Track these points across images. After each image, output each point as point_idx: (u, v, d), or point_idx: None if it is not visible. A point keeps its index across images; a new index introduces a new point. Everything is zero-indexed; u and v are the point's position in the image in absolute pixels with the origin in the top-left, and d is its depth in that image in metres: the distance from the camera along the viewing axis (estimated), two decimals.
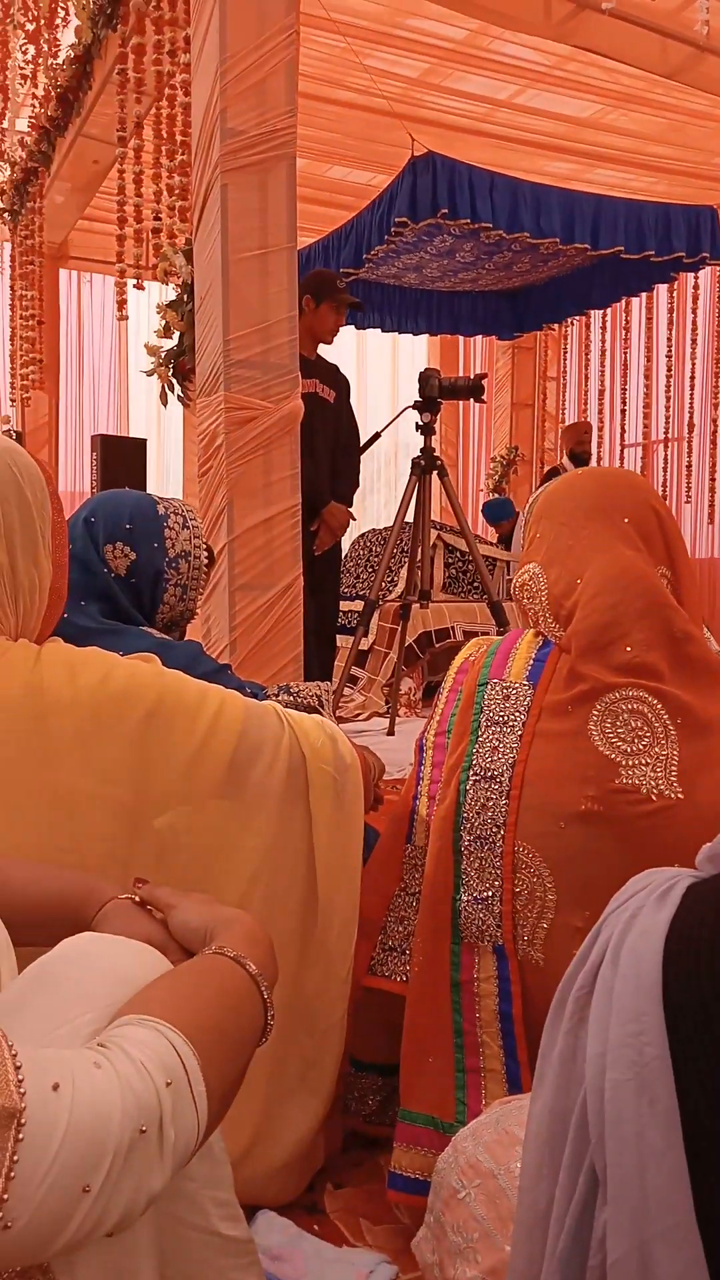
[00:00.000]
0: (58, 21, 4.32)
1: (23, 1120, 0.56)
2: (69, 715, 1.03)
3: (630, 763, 1.11)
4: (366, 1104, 1.33)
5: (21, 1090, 0.57)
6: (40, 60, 4.56)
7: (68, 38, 4.45)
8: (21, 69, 4.81)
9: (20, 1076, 0.58)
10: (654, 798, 1.09)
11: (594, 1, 3.85)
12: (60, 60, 4.52)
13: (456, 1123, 1.11)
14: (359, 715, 4.59)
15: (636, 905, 0.66)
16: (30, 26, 4.53)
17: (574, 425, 6.63)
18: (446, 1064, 1.15)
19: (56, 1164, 0.57)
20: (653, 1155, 0.57)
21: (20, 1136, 0.56)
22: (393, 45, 4.71)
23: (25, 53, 4.69)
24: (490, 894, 1.15)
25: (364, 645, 4.87)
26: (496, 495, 7.66)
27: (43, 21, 4.38)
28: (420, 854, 1.28)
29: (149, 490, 2.13)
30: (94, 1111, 0.60)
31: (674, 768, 1.10)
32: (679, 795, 1.09)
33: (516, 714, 1.20)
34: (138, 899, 0.88)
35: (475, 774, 1.20)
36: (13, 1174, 0.55)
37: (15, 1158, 0.55)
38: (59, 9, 4.25)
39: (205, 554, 1.63)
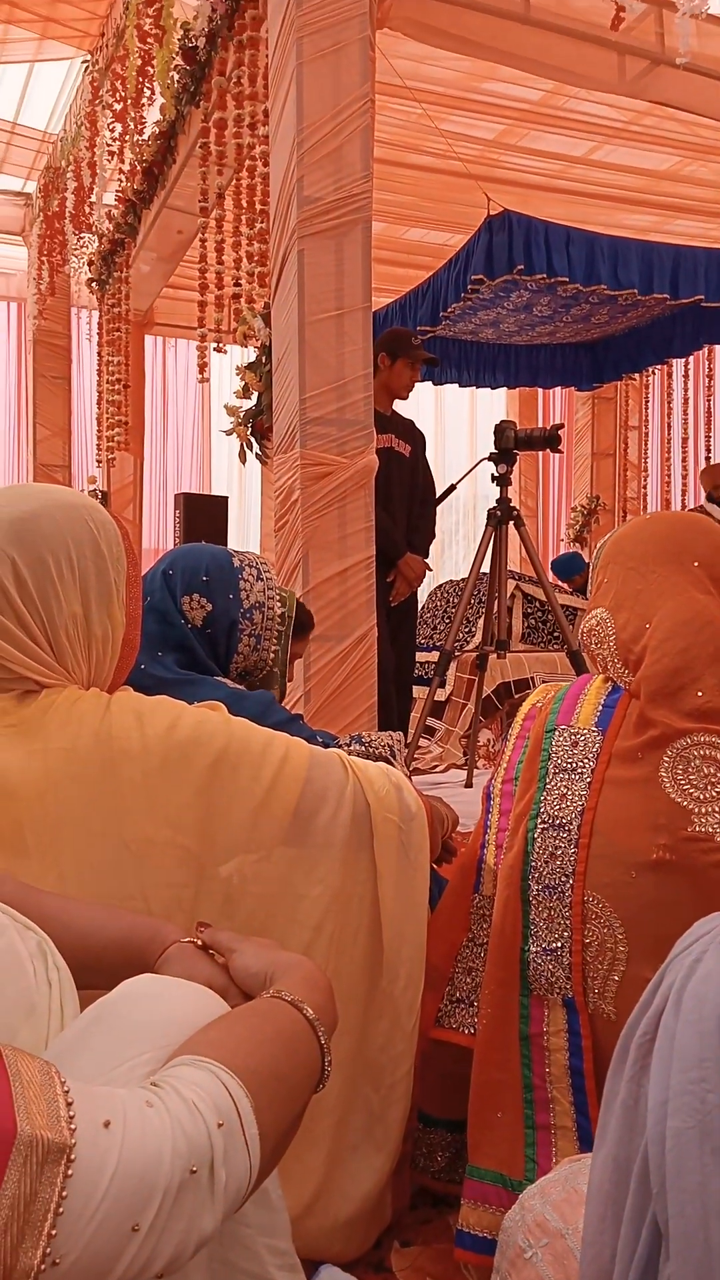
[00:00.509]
0: (144, 100, 4.54)
1: (73, 1156, 0.57)
2: (137, 763, 1.05)
3: (703, 810, 1.08)
4: (435, 1160, 1.30)
5: (72, 1126, 0.58)
6: (127, 137, 4.79)
7: (152, 115, 4.67)
8: (109, 146, 5.06)
9: (72, 1113, 0.58)
10: None
11: (668, 56, 3.88)
12: (146, 136, 4.74)
13: (525, 1180, 1.08)
14: (436, 767, 4.56)
15: (700, 950, 0.64)
16: (118, 106, 4.77)
17: (714, 466, 6.51)
18: (516, 1119, 1.12)
19: (106, 1201, 0.57)
20: (717, 1207, 0.55)
21: (70, 1173, 0.56)
22: (468, 109, 4.83)
23: (113, 130, 4.94)
24: (560, 945, 1.13)
25: (441, 696, 4.85)
26: (566, 551, 7.59)
27: (129, 101, 4.60)
28: (488, 903, 1.26)
29: (229, 545, 2.19)
30: (144, 1150, 0.60)
31: None
32: None
33: (585, 760, 1.19)
34: (200, 943, 0.88)
35: (543, 822, 1.18)
36: (61, 1210, 0.55)
37: (64, 1194, 0.56)
38: (145, 89, 4.46)
39: (280, 605, 1.66)
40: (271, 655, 1.68)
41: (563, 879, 1.14)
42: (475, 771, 4.02)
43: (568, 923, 1.12)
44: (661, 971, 0.67)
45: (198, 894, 1.07)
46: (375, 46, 3.14)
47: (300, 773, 1.14)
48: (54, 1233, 0.55)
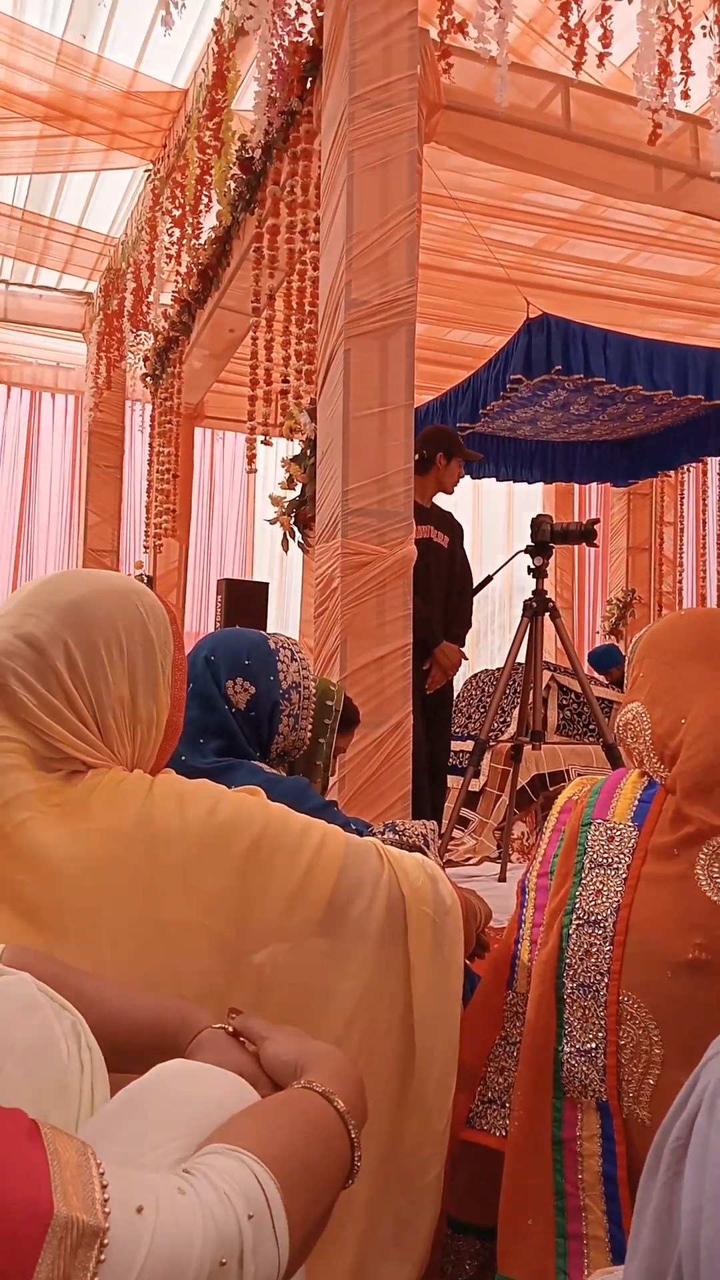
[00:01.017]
0: (201, 207, 4.77)
1: (105, 1240, 0.56)
2: (176, 846, 1.06)
3: None
4: (463, 1269, 1.26)
5: (106, 1210, 0.58)
6: (184, 241, 5.03)
7: (209, 220, 4.91)
8: (167, 249, 5.31)
9: (106, 1195, 0.58)
10: None
11: (703, 169, 4.03)
12: (202, 240, 4.97)
13: None
14: (469, 859, 4.51)
15: None
16: (177, 212, 5.02)
17: None
18: (547, 1227, 1.09)
19: None
20: None
21: (102, 1258, 0.56)
22: (509, 217, 5.01)
23: (171, 235, 5.19)
24: (594, 1046, 1.11)
25: (475, 787, 4.82)
26: (603, 642, 7.59)
27: (188, 207, 4.85)
28: (521, 1001, 1.24)
29: (268, 629, 2.23)
30: (176, 1238, 0.59)
31: None
32: None
33: (621, 856, 1.18)
34: (231, 1029, 0.88)
35: (578, 918, 1.17)
36: None
37: (95, 1278, 0.56)
38: (203, 196, 4.70)
39: (313, 684, 1.68)
40: (308, 734, 1.70)
41: (598, 977, 1.13)
42: (509, 865, 3.96)
43: (602, 1023, 1.11)
44: (696, 1074, 0.66)
45: (230, 982, 1.07)
46: (422, 159, 3.30)
47: (336, 861, 1.14)
48: None
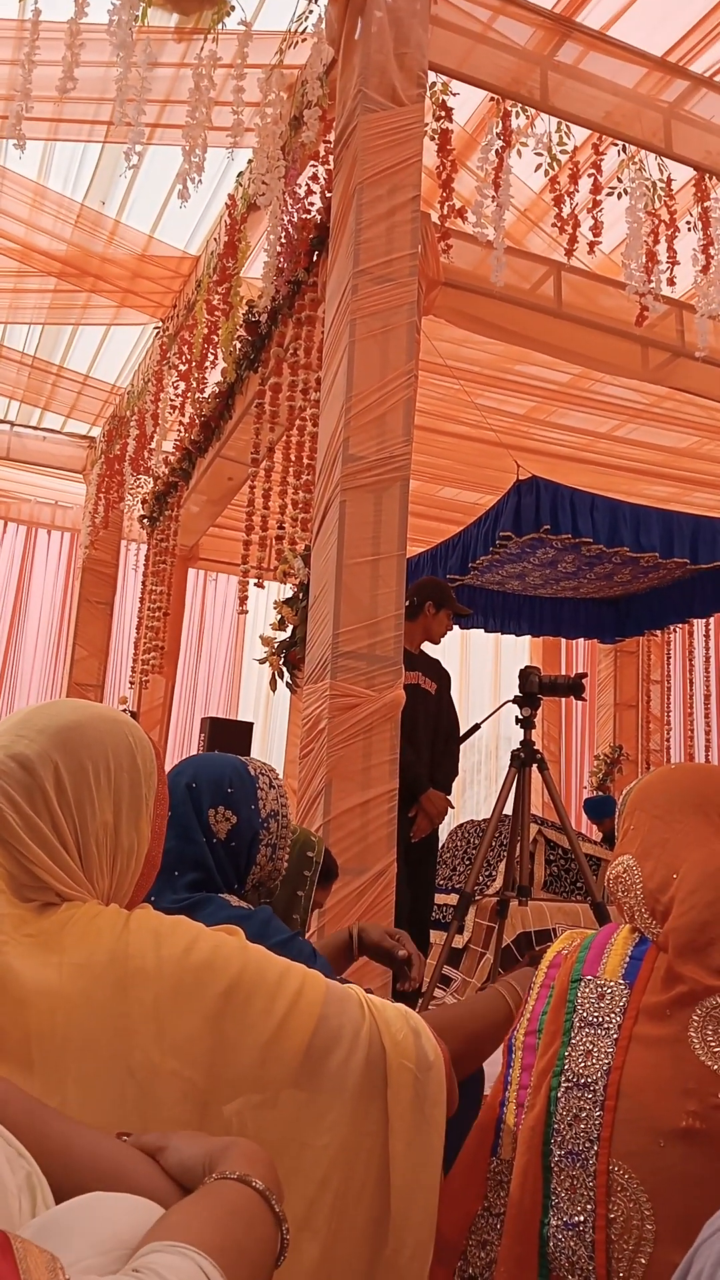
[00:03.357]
0: (207, 364, 5.01)
1: None
2: (150, 986, 1.02)
3: None
4: None
5: None
6: (189, 394, 5.25)
7: (213, 376, 5.14)
8: (172, 401, 5.54)
9: None
10: None
11: (688, 350, 4.27)
12: (206, 394, 5.19)
13: None
14: None
15: None
16: (183, 367, 5.26)
17: None
18: None
19: None
20: None
21: None
22: (502, 387, 5.27)
23: (176, 388, 5.43)
24: (582, 1219, 1.04)
25: (459, 943, 4.68)
26: (600, 793, 7.56)
27: (194, 363, 5.08)
28: (506, 1169, 1.17)
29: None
30: None
31: None
32: None
33: (612, 1015, 1.14)
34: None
35: (567, 1080, 1.12)
36: None
37: None
38: (209, 354, 4.94)
39: (289, 813, 1.65)
40: (284, 865, 1.65)
41: (587, 1144, 1.07)
42: None
43: (591, 1194, 1.04)
44: (690, 1257, 0.63)
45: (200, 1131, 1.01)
46: (421, 330, 3.50)
47: (315, 1009, 1.09)
48: None
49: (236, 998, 1.05)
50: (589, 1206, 1.04)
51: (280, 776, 1.70)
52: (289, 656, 3.41)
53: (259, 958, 1.11)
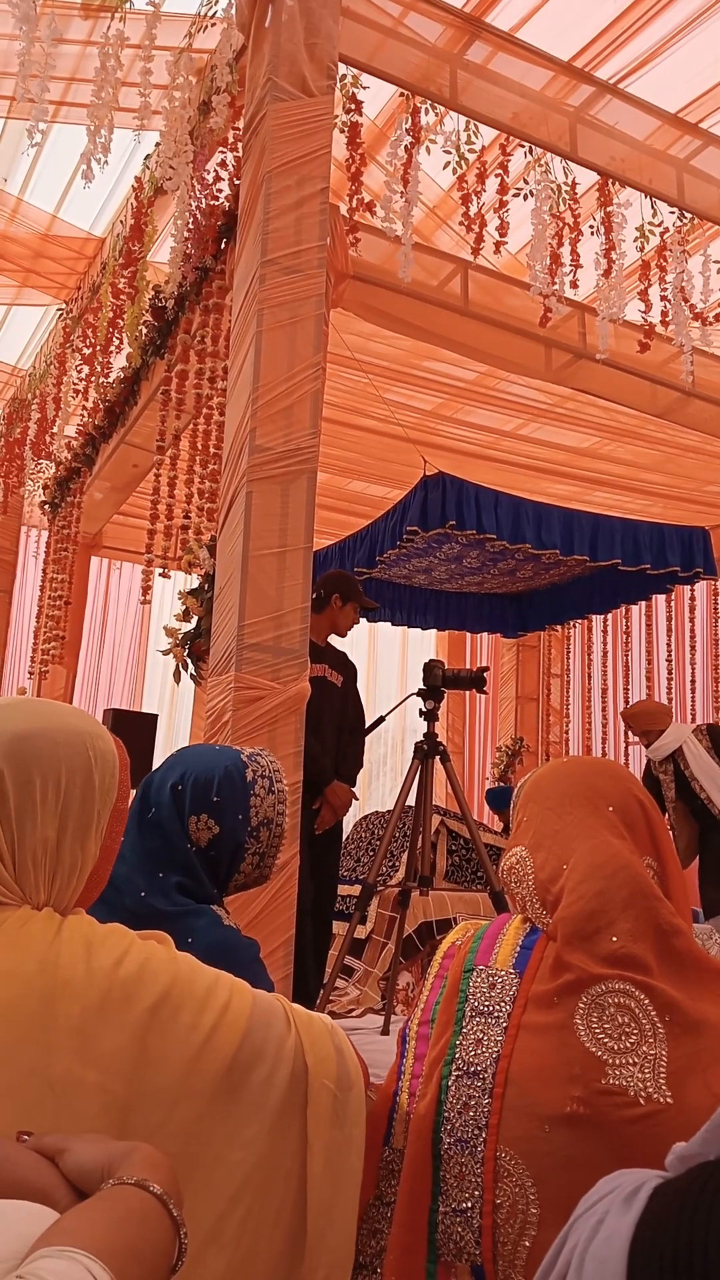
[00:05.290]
0: (112, 348, 4.91)
1: None
2: (78, 999, 0.99)
3: (617, 1061, 1.06)
4: None
5: None
6: (93, 378, 5.14)
7: (119, 361, 5.05)
8: (75, 385, 5.41)
9: None
10: (642, 1101, 1.03)
11: (589, 352, 4.36)
12: (110, 379, 5.09)
13: None
14: (353, 1010, 4.37)
15: (603, 1209, 0.63)
16: (87, 351, 5.15)
17: (637, 713, 6.66)
18: None
19: None
20: None
21: None
22: (409, 382, 5.30)
23: (80, 371, 5.31)
24: (470, 1205, 1.06)
25: (361, 934, 4.71)
26: (501, 784, 7.69)
27: (98, 347, 4.98)
28: (398, 1158, 1.19)
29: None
30: None
31: (663, 1069, 1.05)
32: (668, 1100, 1.03)
33: (502, 1004, 1.17)
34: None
35: (458, 1069, 1.14)
36: None
37: None
38: (114, 338, 4.85)
39: (284, 820, 1.60)
40: (269, 872, 1.61)
41: (476, 1132, 1.09)
42: (393, 1017, 3.85)
43: (479, 1180, 1.06)
44: (566, 1231, 0.65)
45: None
46: (329, 323, 3.49)
47: (240, 1023, 1.07)
48: None
49: (164, 1011, 1.03)
50: (476, 1193, 1.06)
51: (284, 779, 1.63)
52: (194, 648, 3.37)
53: (188, 970, 1.09)
